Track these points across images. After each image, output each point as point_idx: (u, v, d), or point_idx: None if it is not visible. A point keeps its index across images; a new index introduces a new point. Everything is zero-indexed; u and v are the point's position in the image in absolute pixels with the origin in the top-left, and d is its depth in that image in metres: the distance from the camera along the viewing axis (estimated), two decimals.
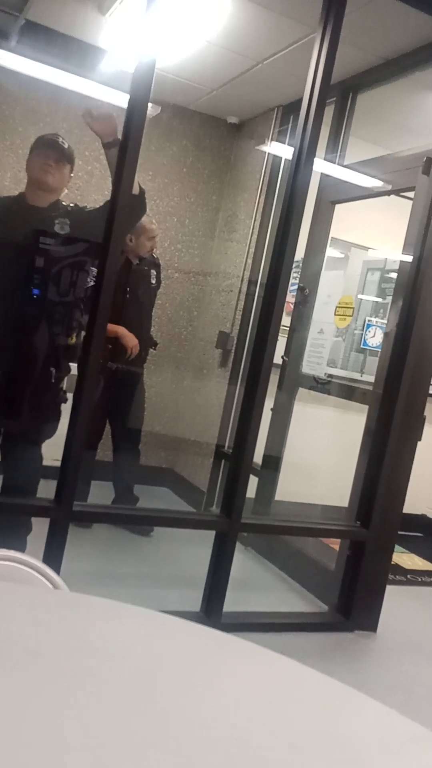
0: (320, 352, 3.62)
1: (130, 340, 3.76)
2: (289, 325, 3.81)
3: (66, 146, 2.64)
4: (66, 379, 2.68)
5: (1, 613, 1.05)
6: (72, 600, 1.21)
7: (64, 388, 2.67)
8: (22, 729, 0.77)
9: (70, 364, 2.67)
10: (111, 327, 3.69)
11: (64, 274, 2.57)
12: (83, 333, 2.55)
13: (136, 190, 2.48)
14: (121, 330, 3.75)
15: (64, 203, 2.67)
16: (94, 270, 2.54)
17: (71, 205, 2.70)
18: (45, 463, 2.71)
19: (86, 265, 2.59)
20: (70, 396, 2.63)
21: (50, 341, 2.61)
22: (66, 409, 2.58)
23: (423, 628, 3.37)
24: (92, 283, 2.54)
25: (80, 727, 0.80)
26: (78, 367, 2.51)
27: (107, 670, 0.95)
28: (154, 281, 4.04)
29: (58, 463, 2.51)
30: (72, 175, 2.72)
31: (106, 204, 2.54)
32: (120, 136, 2.45)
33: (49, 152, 2.60)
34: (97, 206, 2.69)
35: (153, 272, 4.03)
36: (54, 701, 0.84)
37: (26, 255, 2.56)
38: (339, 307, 3.53)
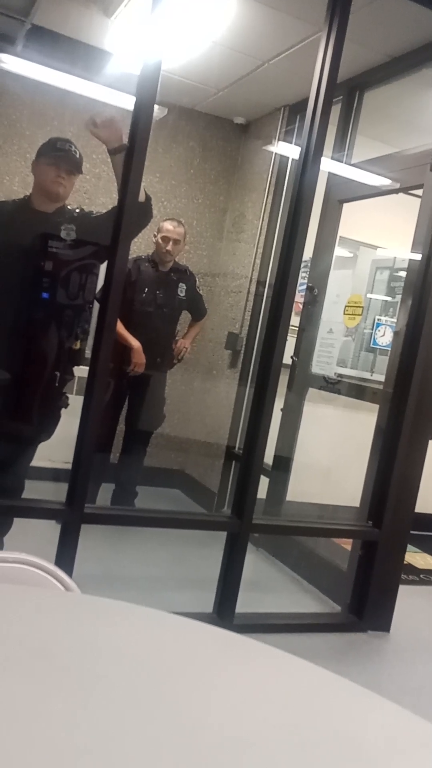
0: (330, 352, 3.61)
1: (138, 357, 3.71)
2: (298, 325, 3.80)
3: (78, 155, 2.63)
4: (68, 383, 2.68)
5: (14, 616, 1.06)
6: (83, 602, 1.21)
7: (66, 392, 2.67)
8: (33, 730, 0.77)
9: (74, 368, 2.67)
10: (126, 335, 3.68)
11: (72, 278, 2.57)
12: (88, 338, 2.56)
13: (142, 198, 2.48)
14: (136, 345, 3.69)
15: (69, 207, 2.67)
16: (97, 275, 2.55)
17: (77, 210, 2.69)
18: (56, 466, 2.72)
19: (93, 269, 2.60)
20: (71, 399, 2.63)
21: (57, 345, 2.61)
22: (71, 412, 2.58)
23: None
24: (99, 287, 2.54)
25: (92, 728, 0.80)
26: (89, 369, 2.52)
27: (119, 671, 0.95)
28: (182, 294, 3.95)
29: (68, 466, 2.52)
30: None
31: (113, 209, 2.54)
32: (125, 141, 2.45)
33: (61, 164, 2.59)
34: (103, 211, 2.69)
35: (182, 285, 3.96)
36: (65, 703, 0.84)
37: (33, 259, 2.57)
38: (348, 306, 3.52)
